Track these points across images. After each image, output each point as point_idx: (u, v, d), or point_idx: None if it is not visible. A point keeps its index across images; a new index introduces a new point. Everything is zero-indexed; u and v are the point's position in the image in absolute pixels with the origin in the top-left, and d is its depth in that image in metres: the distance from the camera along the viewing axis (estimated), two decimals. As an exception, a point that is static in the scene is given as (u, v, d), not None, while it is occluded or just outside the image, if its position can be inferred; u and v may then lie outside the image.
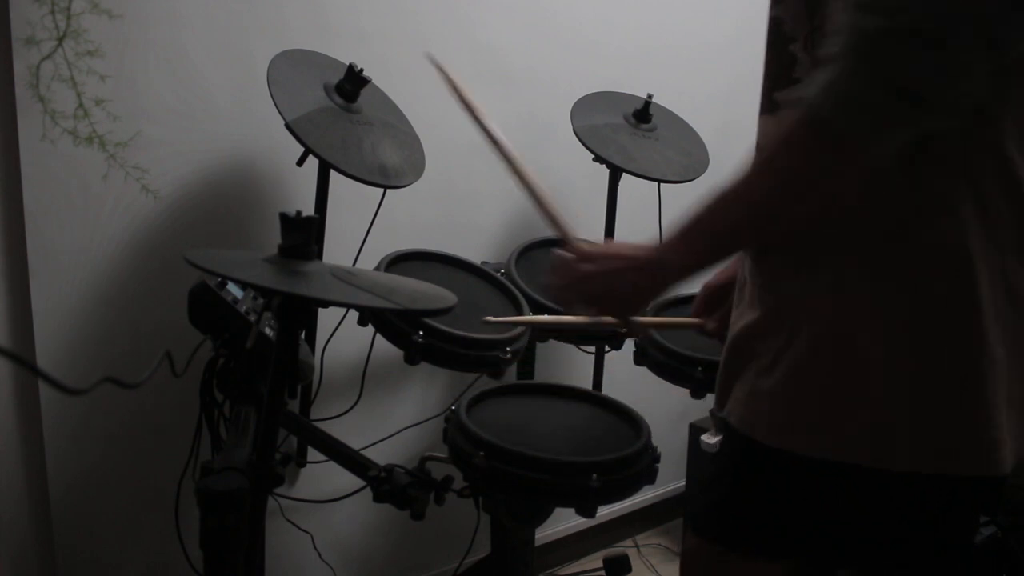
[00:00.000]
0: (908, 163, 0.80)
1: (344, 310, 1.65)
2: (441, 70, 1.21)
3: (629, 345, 1.67)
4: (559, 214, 1.14)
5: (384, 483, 1.33)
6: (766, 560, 1.00)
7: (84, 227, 1.40)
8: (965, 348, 0.82)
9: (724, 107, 2.24)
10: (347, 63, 1.48)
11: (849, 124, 0.76)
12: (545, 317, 1.28)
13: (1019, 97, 0.80)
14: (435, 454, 1.38)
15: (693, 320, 1.24)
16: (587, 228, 2.01)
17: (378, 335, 1.40)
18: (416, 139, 1.59)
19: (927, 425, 0.83)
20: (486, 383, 1.47)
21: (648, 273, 0.93)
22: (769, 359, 0.90)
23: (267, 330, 1.25)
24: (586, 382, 1.99)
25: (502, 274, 1.64)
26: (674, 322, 1.32)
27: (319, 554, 1.80)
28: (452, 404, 1.39)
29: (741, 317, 0.96)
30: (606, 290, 0.97)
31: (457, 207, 1.88)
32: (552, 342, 1.68)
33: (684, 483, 2.48)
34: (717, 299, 1.21)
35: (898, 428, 0.84)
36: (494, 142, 1.16)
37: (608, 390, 1.68)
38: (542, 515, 1.45)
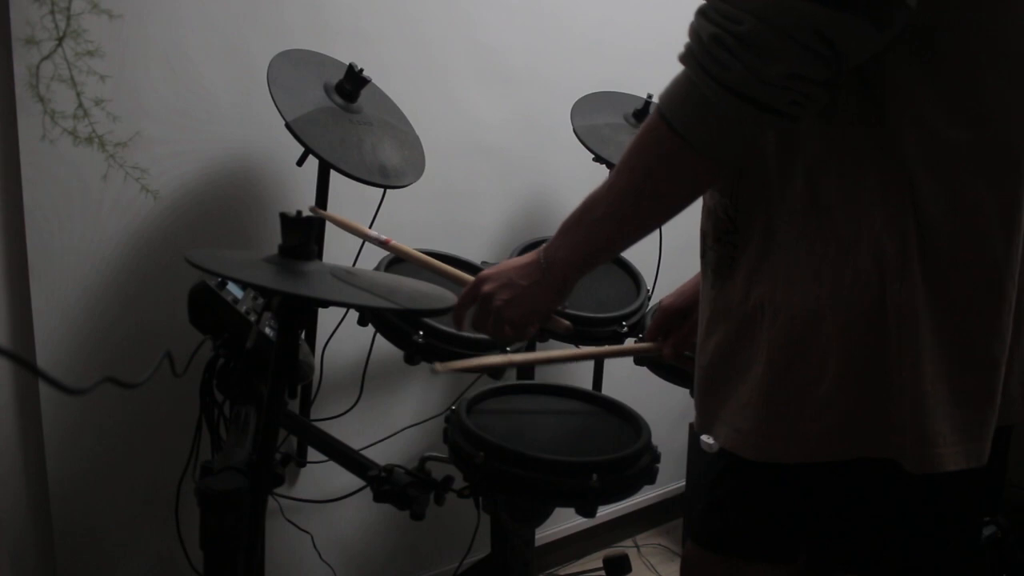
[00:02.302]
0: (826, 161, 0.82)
1: (344, 310, 1.65)
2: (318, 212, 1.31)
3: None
4: (450, 270, 1.24)
5: (384, 483, 1.33)
6: (767, 563, 1.00)
7: (84, 227, 1.40)
8: (883, 349, 0.81)
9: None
10: (347, 63, 1.48)
11: (691, 126, 0.79)
12: (497, 358, 1.28)
13: (913, 73, 0.78)
14: (435, 454, 1.38)
15: (647, 345, 1.26)
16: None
17: (378, 335, 1.40)
18: (416, 139, 1.59)
19: (876, 417, 0.83)
20: (486, 383, 1.47)
21: (537, 273, 0.97)
22: (737, 378, 0.91)
23: (267, 330, 1.25)
24: (586, 382, 1.99)
25: (502, 274, 1.64)
26: (629, 349, 1.33)
27: (319, 554, 1.80)
28: (452, 404, 1.39)
29: (706, 341, 0.97)
30: (507, 301, 0.99)
31: (457, 207, 1.88)
32: (552, 342, 1.68)
33: (684, 483, 2.48)
34: (671, 323, 1.22)
35: (856, 421, 0.84)
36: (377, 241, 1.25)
37: (608, 390, 1.68)
38: (542, 515, 1.45)
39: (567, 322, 1.12)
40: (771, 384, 0.87)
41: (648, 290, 1.77)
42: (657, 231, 2.08)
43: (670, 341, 1.22)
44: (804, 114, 0.77)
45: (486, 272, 1.03)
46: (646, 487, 1.32)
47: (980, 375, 0.83)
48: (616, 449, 1.28)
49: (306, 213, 0.97)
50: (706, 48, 0.75)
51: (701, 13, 0.77)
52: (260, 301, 1.25)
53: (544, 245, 0.97)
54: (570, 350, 1.39)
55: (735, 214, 0.91)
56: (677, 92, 0.80)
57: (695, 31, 0.77)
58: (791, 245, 0.85)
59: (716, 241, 0.95)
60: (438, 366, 1.23)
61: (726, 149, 0.81)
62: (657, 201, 0.87)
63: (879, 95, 0.79)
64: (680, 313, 1.19)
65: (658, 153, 0.83)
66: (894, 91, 0.79)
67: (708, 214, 0.97)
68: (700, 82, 0.77)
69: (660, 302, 1.25)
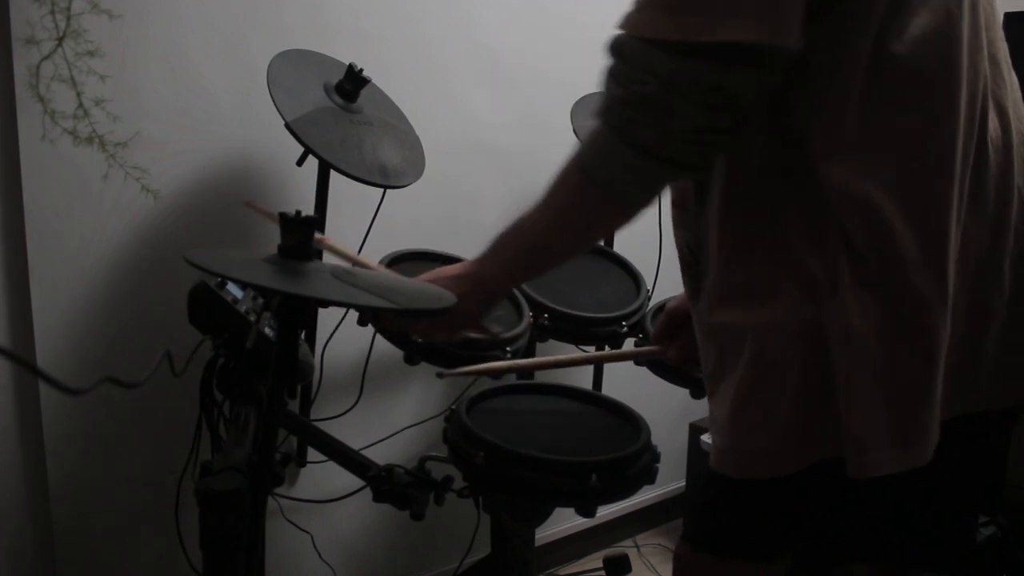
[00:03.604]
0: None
1: (344, 310, 1.65)
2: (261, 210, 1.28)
3: (629, 345, 1.67)
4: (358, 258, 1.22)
5: (384, 483, 1.33)
6: (760, 563, 1.00)
7: (84, 227, 1.40)
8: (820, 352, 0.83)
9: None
10: (347, 63, 1.48)
11: (605, 174, 0.85)
12: (501, 364, 1.29)
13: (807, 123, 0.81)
14: (435, 454, 1.38)
15: (653, 348, 1.26)
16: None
17: (378, 335, 1.40)
18: (416, 139, 1.59)
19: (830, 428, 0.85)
20: (486, 383, 1.47)
21: (470, 284, 1.00)
22: (716, 393, 0.93)
23: (267, 330, 1.25)
24: (586, 382, 1.99)
25: (502, 274, 1.64)
26: (634, 352, 1.34)
27: (319, 554, 1.80)
28: (452, 404, 1.39)
29: (703, 358, 0.98)
30: (451, 316, 1.01)
31: (457, 207, 1.88)
32: (552, 342, 1.68)
33: (684, 483, 2.48)
34: (677, 325, 1.22)
35: (814, 433, 0.86)
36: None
37: (608, 390, 1.68)
38: (542, 515, 1.45)
39: (496, 329, 1.16)
40: (738, 405, 0.89)
41: (648, 290, 1.77)
42: (658, 231, 2.07)
43: (675, 344, 1.22)
44: (710, 163, 0.85)
45: (423, 277, 1.06)
46: (646, 487, 1.32)
47: (915, 376, 0.83)
48: (616, 449, 1.28)
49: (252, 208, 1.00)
50: (616, 110, 0.81)
51: (610, 75, 0.82)
52: (260, 301, 1.25)
53: (476, 258, 1.02)
54: (575, 355, 1.40)
55: (696, 249, 0.96)
56: (594, 146, 0.86)
57: (607, 93, 0.82)
58: (737, 274, 0.89)
59: (685, 274, 1.00)
60: (443, 372, 1.26)
61: (640, 199, 0.87)
62: (579, 238, 0.96)
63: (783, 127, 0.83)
64: (686, 315, 1.19)
65: (578, 202, 0.90)
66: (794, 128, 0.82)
67: (678, 249, 1.02)
68: (614, 142, 0.82)
69: (665, 305, 1.25)
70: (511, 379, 1.63)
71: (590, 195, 0.88)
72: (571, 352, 2.00)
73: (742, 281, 0.88)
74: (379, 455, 1.49)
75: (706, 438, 2.18)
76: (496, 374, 1.40)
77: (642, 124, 0.79)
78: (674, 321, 1.23)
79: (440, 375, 1.25)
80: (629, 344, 1.69)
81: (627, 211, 0.89)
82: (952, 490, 0.93)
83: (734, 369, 0.89)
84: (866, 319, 0.81)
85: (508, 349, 1.40)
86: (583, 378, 2.04)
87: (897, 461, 0.82)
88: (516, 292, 1.58)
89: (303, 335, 1.49)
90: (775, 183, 0.85)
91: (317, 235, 1.10)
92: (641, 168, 0.82)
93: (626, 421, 1.41)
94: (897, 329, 0.81)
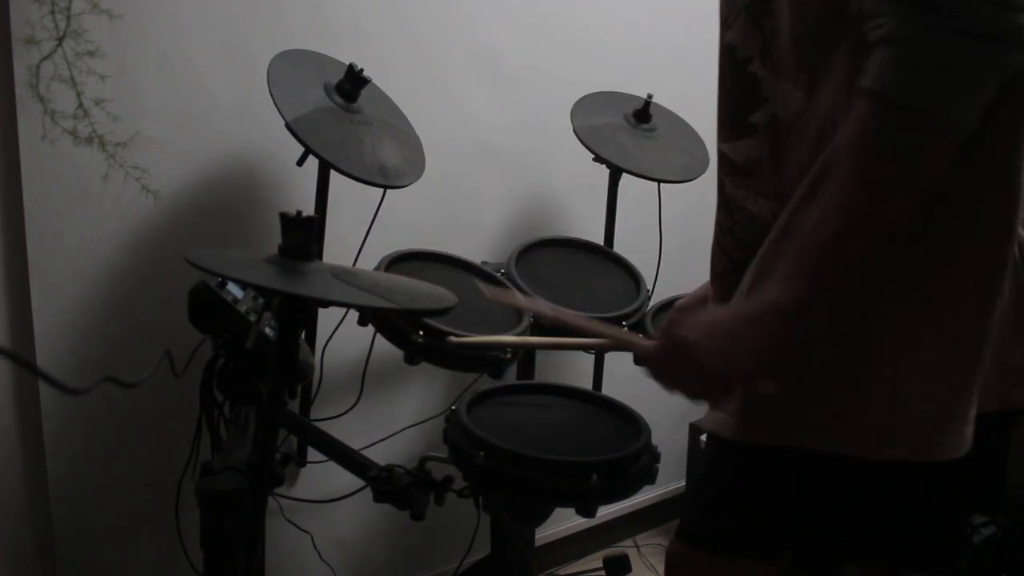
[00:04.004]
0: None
1: (344, 310, 1.65)
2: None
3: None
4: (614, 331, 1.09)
5: (384, 483, 1.33)
6: (755, 560, 1.00)
7: (84, 227, 1.40)
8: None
9: (724, 107, 2.24)
10: (347, 63, 1.48)
11: (934, 92, 0.73)
12: (512, 338, 1.25)
13: None
14: (435, 454, 1.38)
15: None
16: (587, 228, 2.02)
17: (378, 335, 1.40)
18: (416, 139, 1.59)
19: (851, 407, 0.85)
20: (486, 383, 1.47)
21: (744, 323, 0.82)
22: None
23: (267, 330, 1.25)
24: (586, 382, 1.99)
25: (502, 274, 1.64)
26: (642, 344, 1.31)
27: (319, 554, 1.80)
28: (452, 404, 1.39)
29: None
30: (707, 347, 0.83)
31: (457, 207, 1.88)
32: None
33: (684, 483, 2.48)
34: None
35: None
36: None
37: (608, 390, 1.68)
38: (542, 515, 1.45)
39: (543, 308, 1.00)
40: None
41: (648, 290, 1.77)
42: (658, 231, 2.07)
43: None
44: None
45: (680, 317, 0.87)
46: (646, 487, 1.32)
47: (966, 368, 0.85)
48: (616, 449, 1.28)
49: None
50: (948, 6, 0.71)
51: None
52: (260, 301, 1.26)
53: (758, 299, 0.84)
54: (582, 339, 1.33)
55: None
56: (899, 70, 0.74)
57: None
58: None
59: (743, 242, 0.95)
60: (453, 339, 1.20)
61: (967, 113, 0.75)
62: (893, 190, 0.77)
63: None
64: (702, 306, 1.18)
65: (887, 141, 0.76)
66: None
67: (736, 221, 0.97)
68: (940, 43, 0.72)
69: (675, 303, 1.22)
70: (511, 379, 1.63)
71: (905, 121, 0.74)
72: (571, 351, 1.99)
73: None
74: (379, 455, 1.49)
75: (706, 437, 2.18)
76: (496, 373, 1.40)
77: (980, 7, 0.70)
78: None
79: (450, 343, 1.18)
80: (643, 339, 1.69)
81: (950, 134, 0.75)
82: (952, 490, 0.93)
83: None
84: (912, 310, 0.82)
85: (508, 349, 1.39)
86: (583, 378, 2.04)
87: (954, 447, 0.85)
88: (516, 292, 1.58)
89: (303, 335, 1.49)
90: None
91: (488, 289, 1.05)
92: (975, 63, 0.72)
93: (626, 421, 1.41)
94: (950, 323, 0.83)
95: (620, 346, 1.01)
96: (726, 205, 0.99)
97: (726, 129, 0.97)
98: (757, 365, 0.82)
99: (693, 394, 0.87)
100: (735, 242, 0.97)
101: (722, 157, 0.99)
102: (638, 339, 0.97)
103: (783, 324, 0.80)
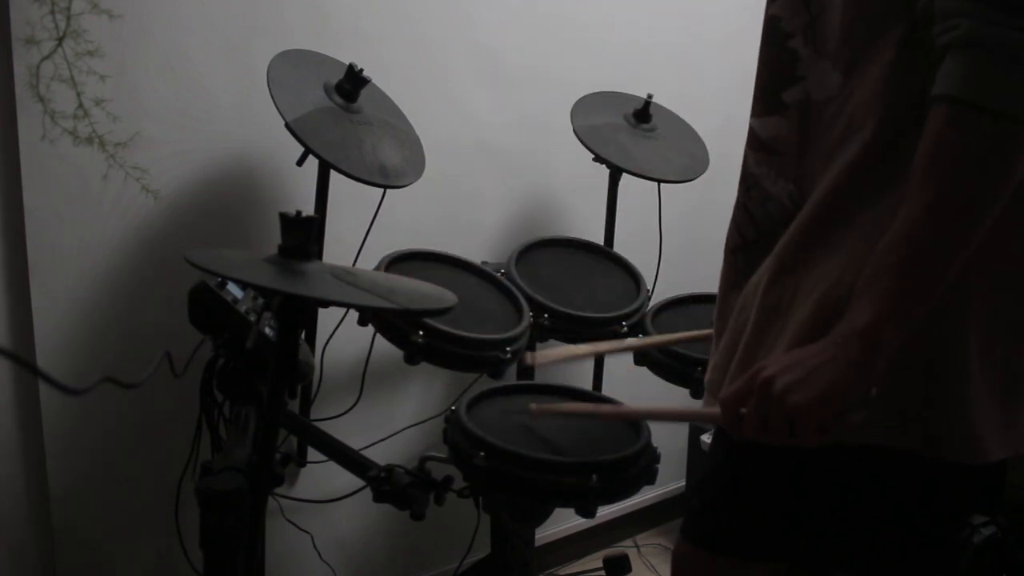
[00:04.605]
0: None
1: (344, 310, 1.65)
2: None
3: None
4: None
5: (384, 483, 1.33)
6: (758, 562, 1.00)
7: (84, 227, 1.40)
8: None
9: (724, 106, 2.24)
10: (347, 63, 1.48)
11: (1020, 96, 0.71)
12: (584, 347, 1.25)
13: None
14: (435, 454, 1.38)
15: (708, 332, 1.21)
16: (587, 228, 2.02)
17: (378, 335, 1.40)
18: (416, 139, 1.59)
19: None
20: (486, 383, 1.47)
21: (832, 348, 0.78)
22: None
23: (267, 330, 1.25)
24: (586, 382, 1.99)
25: (502, 274, 1.64)
26: (691, 336, 1.29)
27: (319, 554, 1.80)
28: (452, 404, 1.39)
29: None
30: (794, 382, 0.78)
31: (457, 207, 1.88)
32: (552, 342, 1.68)
33: (684, 483, 2.48)
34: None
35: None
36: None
37: (608, 390, 1.68)
38: (542, 515, 1.45)
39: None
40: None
41: (648, 290, 1.77)
42: (658, 231, 2.07)
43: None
44: None
45: (769, 359, 0.83)
46: (646, 487, 1.32)
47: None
48: (616, 449, 1.28)
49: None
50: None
51: None
52: (260, 301, 1.26)
53: (839, 327, 0.80)
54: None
55: (800, 200, 0.91)
56: (987, 74, 0.71)
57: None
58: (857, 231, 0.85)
59: (780, 228, 0.92)
60: (531, 357, 1.22)
61: None
62: (984, 201, 0.75)
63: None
64: None
65: (978, 145, 0.73)
66: None
67: (755, 200, 0.96)
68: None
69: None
70: (511, 379, 1.63)
71: (993, 127, 0.71)
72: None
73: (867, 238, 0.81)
74: (379, 455, 1.49)
75: (706, 438, 2.18)
76: (496, 373, 1.40)
77: None
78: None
79: (528, 362, 1.22)
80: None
81: None
82: (952, 490, 0.93)
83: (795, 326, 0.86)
84: (979, 318, 0.82)
85: (508, 349, 1.40)
86: (583, 378, 2.04)
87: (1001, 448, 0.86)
88: (516, 292, 1.58)
89: (303, 335, 1.49)
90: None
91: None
92: None
93: (626, 421, 1.41)
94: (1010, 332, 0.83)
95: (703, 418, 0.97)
96: (745, 180, 0.99)
97: (758, 103, 0.97)
98: (807, 382, 0.77)
99: (783, 435, 0.80)
100: (747, 218, 0.97)
101: (750, 131, 0.98)
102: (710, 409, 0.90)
103: (835, 347, 0.78)
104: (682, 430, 2.37)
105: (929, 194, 0.75)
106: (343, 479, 1.52)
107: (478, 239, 1.93)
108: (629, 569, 1.87)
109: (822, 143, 0.89)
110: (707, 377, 1.04)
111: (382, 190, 1.58)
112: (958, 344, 0.83)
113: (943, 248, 0.75)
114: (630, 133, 1.86)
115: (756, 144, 0.97)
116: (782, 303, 0.90)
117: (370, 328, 1.44)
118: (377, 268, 1.45)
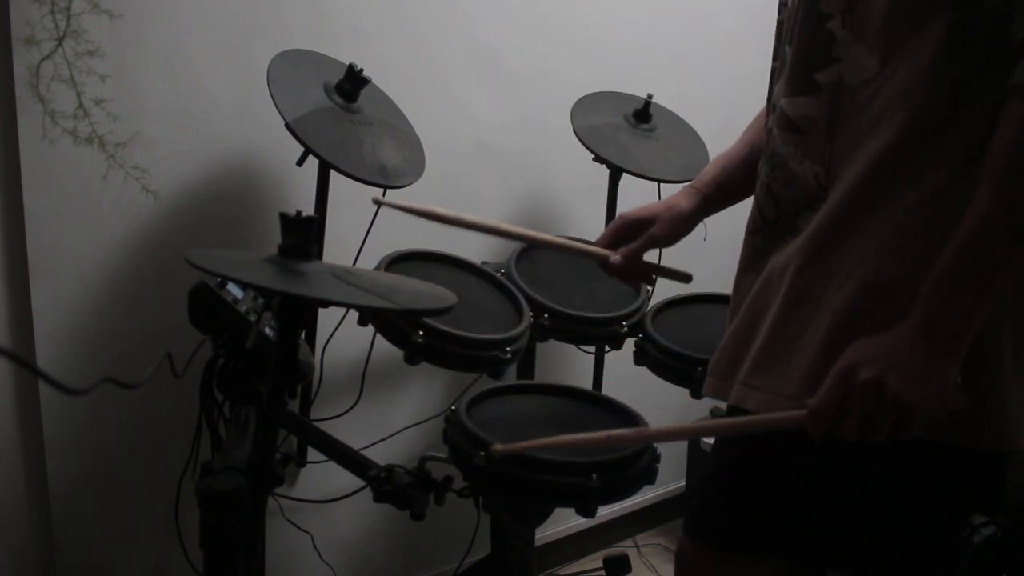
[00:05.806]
0: None
1: (344, 310, 1.65)
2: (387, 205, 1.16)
3: (629, 345, 1.67)
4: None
5: (384, 483, 1.33)
6: (758, 558, 1.00)
7: (84, 227, 1.40)
8: None
9: (724, 106, 2.24)
10: (347, 63, 1.48)
11: None
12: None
13: None
14: (435, 454, 1.38)
15: (596, 250, 1.19)
16: (587, 228, 2.02)
17: (378, 335, 1.40)
18: (416, 139, 1.59)
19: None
20: (486, 383, 1.47)
21: (920, 341, 0.80)
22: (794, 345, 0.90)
23: (267, 330, 1.25)
24: (586, 382, 1.99)
25: (502, 274, 1.64)
26: (574, 247, 1.24)
27: (319, 554, 1.80)
28: (452, 404, 1.39)
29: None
30: (904, 385, 0.79)
31: (457, 207, 1.86)
32: (552, 342, 1.68)
33: (684, 483, 2.48)
34: (628, 232, 1.17)
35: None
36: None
37: (608, 390, 1.68)
38: (542, 515, 1.45)
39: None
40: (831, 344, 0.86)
41: (648, 290, 1.77)
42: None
43: (621, 250, 1.16)
44: None
45: (853, 358, 0.82)
46: (646, 487, 1.32)
47: None
48: (616, 449, 1.28)
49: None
50: None
51: None
52: (260, 301, 1.26)
53: (915, 312, 0.81)
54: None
55: (827, 183, 0.91)
56: None
57: None
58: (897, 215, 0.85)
59: (803, 210, 0.93)
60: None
61: None
62: None
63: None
64: (640, 224, 1.15)
65: None
66: None
67: (778, 180, 0.96)
68: None
69: (620, 213, 1.20)
70: (511, 379, 1.63)
71: None
72: (571, 351, 1.98)
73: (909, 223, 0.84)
74: (379, 455, 1.49)
75: (706, 437, 2.18)
76: (496, 373, 1.40)
77: None
78: (625, 226, 1.17)
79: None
80: (629, 344, 1.68)
81: None
82: (952, 490, 0.93)
83: (835, 312, 0.87)
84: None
85: (508, 349, 1.40)
86: (583, 378, 2.04)
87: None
88: (516, 292, 1.58)
89: (303, 335, 1.49)
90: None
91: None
92: None
93: (626, 421, 1.41)
94: None
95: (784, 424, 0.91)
96: (770, 160, 0.98)
97: (789, 83, 0.96)
98: (913, 384, 0.79)
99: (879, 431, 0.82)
100: (769, 199, 0.97)
101: (780, 112, 0.98)
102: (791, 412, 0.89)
103: (924, 340, 0.79)
104: (682, 430, 2.37)
105: (997, 196, 0.77)
106: (343, 479, 1.52)
107: (478, 239, 1.93)
108: (629, 569, 1.87)
109: (853, 126, 0.89)
110: (713, 359, 1.04)
111: (382, 190, 1.58)
112: (994, 336, 0.84)
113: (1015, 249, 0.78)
114: (630, 133, 1.86)
115: (783, 123, 0.96)
116: (813, 289, 0.91)
117: (370, 328, 1.43)
118: (377, 268, 1.45)
